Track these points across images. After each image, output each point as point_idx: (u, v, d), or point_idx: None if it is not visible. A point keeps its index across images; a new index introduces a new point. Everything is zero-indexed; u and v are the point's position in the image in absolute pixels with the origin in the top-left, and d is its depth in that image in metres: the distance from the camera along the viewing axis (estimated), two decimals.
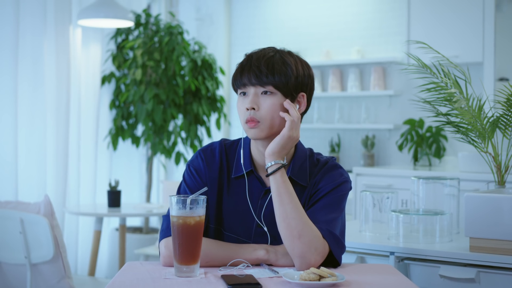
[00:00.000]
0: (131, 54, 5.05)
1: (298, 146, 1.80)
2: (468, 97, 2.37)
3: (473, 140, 2.41)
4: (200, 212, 1.60)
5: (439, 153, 4.64)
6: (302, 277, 1.54)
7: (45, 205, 2.73)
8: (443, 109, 2.54)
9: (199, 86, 5.00)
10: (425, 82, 2.44)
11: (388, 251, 2.23)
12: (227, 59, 5.72)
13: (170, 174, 5.87)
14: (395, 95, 4.94)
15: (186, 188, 1.80)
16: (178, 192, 1.82)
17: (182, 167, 5.37)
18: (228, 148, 1.84)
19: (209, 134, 5.12)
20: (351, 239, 2.35)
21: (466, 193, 2.15)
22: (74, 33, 4.64)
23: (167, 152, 4.98)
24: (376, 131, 5.04)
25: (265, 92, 1.72)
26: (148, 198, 5.07)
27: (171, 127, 5.06)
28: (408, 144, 4.75)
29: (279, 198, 1.68)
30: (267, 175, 1.71)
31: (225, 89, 5.62)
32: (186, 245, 1.58)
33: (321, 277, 1.54)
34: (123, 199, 4.79)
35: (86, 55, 4.78)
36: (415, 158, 4.70)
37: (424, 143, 4.68)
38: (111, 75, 5.02)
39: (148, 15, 5.07)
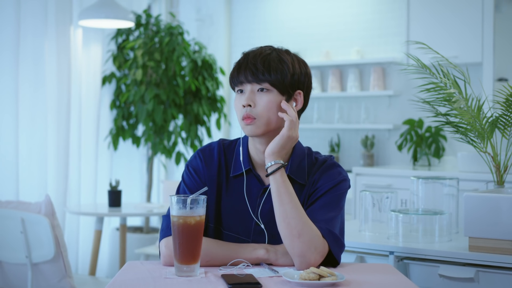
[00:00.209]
0: (131, 54, 5.06)
1: (296, 144, 1.81)
2: (467, 97, 2.38)
3: (472, 140, 2.41)
4: (200, 211, 1.60)
5: (438, 153, 4.64)
6: (302, 276, 1.55)
7: (46, 205, 2.74)
8: (443, 109, 2.54)
9: (199, 87, 5.00)
10: (425, 82, 2.44)
11: (387, 251, 2.24)
12: (227, 60, 5.73)
13: (171, 174, 5.88)
14: (394, 95, 4.94)
15: (185, 188, 1.81)
16: (178, 192, 1.82)
17: (182, 167, 5.38)
18: (227, 148, 1.85)
19: (209, 134, 5.13)
20: (350, 238, 2.35)
21: (465, 193, 2.16)
22: (75, 34, 4.65)
23: (168, 152, 4.99)
24: (375, 131, 5.05)
25: (262, 90, 1.73)
26: (148, 198, 5.08)
27: (171, 127, 5.07)
28: (408, 144, 4.75)
29: (279, 198, 1.69)
30: (267, 175, 1.71)
31: (225, 89, 5.63)
32: (187, 245, 1.59)
33: (321, 277, 1.55)
34: (124, 199, 4.79)
35: (87, 55, 4.79)
36: (415, 158, 4.71)
37: (423, 143, 4.68)
38: (112, 75, 5.02)
39: (148, 15, 5.08)
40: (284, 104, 1.72)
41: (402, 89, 4.92)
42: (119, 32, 5.04)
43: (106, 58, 5.01)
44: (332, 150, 5.15)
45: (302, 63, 1.81)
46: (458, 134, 2.46)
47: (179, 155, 5.03)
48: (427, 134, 4.69)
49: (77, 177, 4.67)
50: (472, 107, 2.36)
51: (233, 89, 1.80)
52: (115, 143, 4.95)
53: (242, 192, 1.80)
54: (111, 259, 4.99)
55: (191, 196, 1.60)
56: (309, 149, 1.86)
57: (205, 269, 1.68)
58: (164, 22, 5.21)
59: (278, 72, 1.73)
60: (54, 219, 2.73)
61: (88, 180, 4.78)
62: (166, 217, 1.76)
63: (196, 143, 5.04)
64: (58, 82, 4.46)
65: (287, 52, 1.81)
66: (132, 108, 5.02)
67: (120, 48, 5.07)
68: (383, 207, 2.46)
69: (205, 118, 5.13)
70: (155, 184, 5.61)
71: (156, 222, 5.56)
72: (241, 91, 1.76)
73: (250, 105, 1.73)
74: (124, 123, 5.06)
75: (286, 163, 1.73)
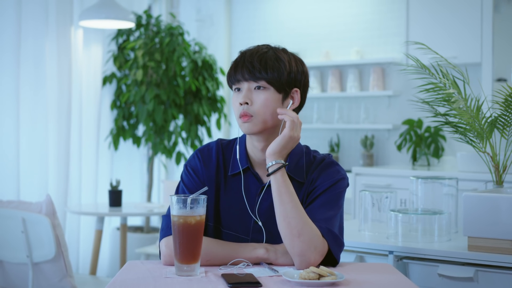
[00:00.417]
0: (132, 54, 5.07)
1: None
2: (467, 97, 2.38)
3: (471, 140, 2.42)
4: (200, 211, 1.61)
5: (437, 153, 4.65)
6: (302, 276, 1.55)
7: (47, 205, 2.74)
8: (442, 110, 2.55)
9: (199, 87, 5.01)
10: (424, 82, 2.44)
11: (387, 250, 2.24)
12: (227, 60, 5.74)
13: (171, 174, 5.89)
14: (394, 95, 4.95)
15: (184, 188, 1.82)
16: (177, 192, 1.83)
17: (182, 167, 5.38)
18: (225, 147, 1.86)
19: (209, 134, 5.14)
20: (350, 238, 2.35)
21: (465, 193, 2.16)
22: (75, 34, 4.66)
23: (168, 152, 4.99)
24: (375, 131, 5.06)
25: (258, 88, 1.74)
26: (149, 198, 5.09)
27: (171, 127, 5.08)
28: (407, 144, 4.76)
29: (279, 198, 1.70)
30: (268, 175, 1.72)
31: (225, 90, 5.64)
32: (187, 244, 1.59)
33: (320, 276, 1.55)
34: (124, 198, 4.80)
35: (88, 56, 4.79)
36: (414, 158, 4.72)
37: (422, 143, 4.69)
38: (112, 75, 5.03)
39: (149, 16, 5.09)
40: (280, 110, 1.73)
41: (401, 89, 4.93)
42: (120, 32, 5.05)
43: (106, 59, 5.02)
44: (332, 150, 5.16)
45: (299, 62, 1.82)
46: (457, 134, 2.47)
47: (179, 155, 5.04)
48: (427, 134, 4.69)
49: (77, 177, 4.68)
50: (471, 107, 2.36)
51: (231, 87, 1.81)
52: (115, 143, 4.96)
53: (240, 191, 1.81)
54: (111, 258, 5.00)
55: (191, 196, 1.61)
56: (307, 147, 1.86)
57: (205, 268, 1.68)
58: (164, 23, 5.22)
59: (275, 70, 1.74)
60: (55, 219, 2.73)
61: (88, 180, 4.79)
62: (166, 217, 1.77)
63: (197, 143, 5.05)
64: (59, 82, 4.46)
65: (284, 50, 1.81)
66: (132, 108, 5.03)
67: (121, 48, 5.07)
68: (382, 207, 2.46)
69: (205, 118, 5.14)
70: (156, 184, 5.61)
71: (156, 222, 5.57)
72: (238, 89, 1.77)
73: (247, 103, 1.74)
74: (125, 123, 5.07)
75: (287, 163, 1.74)
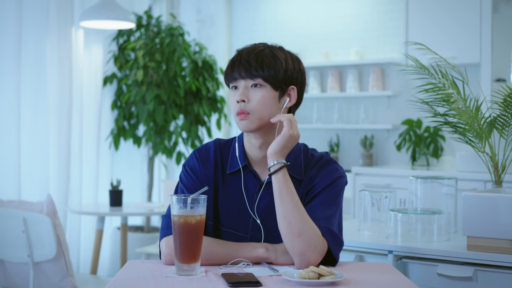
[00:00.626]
0: (132, 55, 5.08)
1: None
2: (466, 97, 2.38)
3: (470, 140, 2.42)
4: (201, 211, 1.61)
5: (437, 153, 4.66)
6: (302, 275, 1.55)
7: (48, 204, 2.74)
8: (441, 110, 2.55)
9: (199, 87, 5.02)
10: (423, 83, 2.45)
11: (386, 250, 2.25)
12: (227, 60, 5.71)
13: (171, 173, 5.90)
14: (393, 95, 4.96)
15: (183, 187, 1.83)
16: (176, 192, 1.83)
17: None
18: (223, 146, 1.87)
19: (209, 134, 5.15)
20: (350, 238, 2.36)
21: (464, 193, 2.16)
22: (76, 35, 4.66)
23: (168, 152, 5.00)
24: (374, 131, 5.06)
25: (255, 85, 1.75)
26: (149, 198, 5.09)
27: (172, 127, 5.08)
28: (406, 144, 4.77)
29: (280, 197, 1.70)
30: (269, 175, 1.73)
31: (225, 90, 5.65)
32: (187, 244, 1.60)
33: (320, 276, 1.55)
34: (125, 198, 4.80)
35: (88, 56, 4.80)
36: (413, 158, 4.72)
37: (422, 143, 4.70)
38: (113, 76, 5.04)
39: (149, 16, 5.10)
40: (274, 118, 1.74)
41: (401, 89, 4.93)
42: (120, 33, 5.06)
43: (107, 59, 5.03)
44: (332, 150, 5.17)
45: (295, 60, 1.83)
46: (457, 134, 2.47)
47: (179, 155, 5.05)
48: (426, 134, 4.70)
49: (78, 177, 4.68)
50: (470, 107, 2.37)
51: (228, 85, 1.82)
52: (116, 143, 4.97)
53: (238, 189, 1.81)
54: (112, 258, 5.00)
55: (191, 196, 1.61)
56: (304, 145, 1.87)
57: (206, 268, 1.69)
58: (164, 23, 5.23)
59: (271, 68, 1.75)
60: (55, 219, 2.74)
61: (89, 180, 4.80)
62: (166, 217, 1.78)
63: (197, 143, 5.06)
64: (60, 82, 4.47)
65: (280, 48, 1.83)
66: (133, 109, 5.04)
67: (121, 49, 5.08)
68: (382, 206, 2.46)
69: (206, 118, 5.15)
70: (156, 183, 5.62)
71: (156, 221, 5.57)
72: (236, 87, 1.79)
73: (244, 101, 1.75)
74: (125, 123, 5.08)
75: (288, 163, 1.74)
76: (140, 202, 4.79)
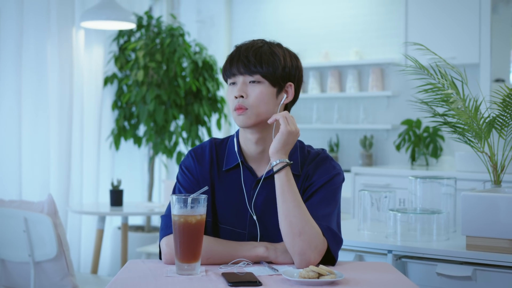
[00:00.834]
0: (133, 55, 5.09)
1: None
2: (465, 97, 2.39)
3: (469, 140, 2.42)
4: (201, 211, 1.61)
5: (436, 153, 4.66)
6: (302, 275, 1.55)
7: (49, 204, 2.75)
8: (440, 110, 2.56)
9: (200, 87, 5.03)
10: (423, 83, 2.45)
11: (386, 250, 2.25)
12: None
13: (172, 173, 5.90)
14: (393, 96, 4.96)
15: (180, 187, 1.83)
16: (173, 192, 1.84)
17: None
18: (218, 145, 1.87)
19: (209, 134, 5.15)
20: (349, 237, 2.36)
21: (463, 192, 2.17)
22: (77, 35, 4.67)
23: (169, 152, 5.01)
24: (374, 131, 5.07)
25: (253, 81, 1.76)
26: (149, 197, 5.10)
27: (172, 127, 5.09)
28: (406, 144, 4.77)
29: (282, 197, 1.70)
30: (273, 173, 1.73)
31: (225, 90, 5.66)
32: (187, 243, 1.60)
33: (320, 275, 1.55)
34: (125, 198, 4.81)
35: (89, 56, 4.81)
36: (413, 158, 4.73)
37: (421, 143, 4.70)
38: (114, 76, 5.05)
39: (149, 17, 5.10)
40: (270, 120, 1.74)
41: (400, 89, 4.94)
42: (121, 33, 5.07)
43: (108, 59, 5.04)
44: (331, 150, 5.18)
45: (293, 57, 1.84)
46: (456, 134, 2.47)
47: (180, 155, 5.06)
48: (425, 134, 4.71)
49: (79, 177, 4.69)
50: (469, 107, 2.37)
51: (226, 81, 1.83)
52: (116, 143, 4.98)
53: (235, 185, 1.82)
54: (112, 257, 5.01)
55: (192, 196, 1.62)
56: (300, 142, 1.87)
57: (206, 267, 1.69)
58: (165, 24, 5.24)
59: (270, 64, 1.76)
60: (56, 218, 2.74)
61: (90, 180, 4.81)
62: (165, 217, 1.79)
63: (197, 143, 5.07)
64: (60, 83, 4.48)
65: (278, 45, 1.84)
66: (133, 109, 5.05)
67: (122, 49, 5.09)
68: (381, 206, 2.47)
69: (206, 119, 5.16)
70: (156, 183, 5.63)
71: (157, 221, 5.58)
72: (234, 83, 1.79)
73: (242, 96, 1.76)
74: (126, 124, 5.09)
75: (291, 162, 1.74)
76: (141, 202, 4.80)
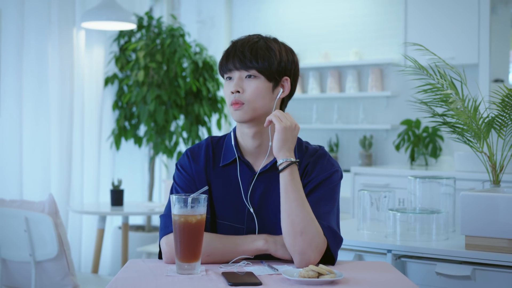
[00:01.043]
0: (133, 56, 5.09)
1: None
2: (464, 98, 2.39)
3: (468, 140, 2.43)
4: (201, 210, 1.62)
5: (435, 153, 4.67)
6: (301, 274, 1.55)
7: (49, 204, 2.75)
8: (439, 110, 2.56)
9: (200, 87, 5.04)
10: (422, 83, 2.46)
11: (385, 249, 2.25)
12: None
13: (172, 173, 5.90)
14: (392, 96, 4.97)
15: (176, 186, 1.84)
16: (171, 192, 1.84)
17: None
18: (216, 142, 1.88)
19: (210, 134, 5.16)
20: (349, 237, 2.36)
21: (462, 192, 2.17)
22: (77, 36, 4.68)
23: (169, 152, 5.02)
24: (373, 132, 5.08)
25: (249, 76, 1.77)
26: (150, 197, 5.11)
27: (172, 127, 5.10)
28: (405, 144, 4.78)
29: (285, 195, 1.70)
30: (278, 172, 1.73)
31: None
32: (188, 243, 1.60)
33: (319, 275, 1.55)
34: (126, 198, 4.82)
35: (90, 57, 4.82)
36: (412, 158, 4.74)
37: (420, 143, 4.71)
38: (114, 76, 5.06)
39: (150, 17, 5.11)
40: (265, 124, 1.75)
41: (399, 90, 4.95)
42: (121, 34, 5.07)
43: (108, 60, 5.04)
44: (331, 150, 5.19)
45: (289, 51, 1.85)
46: (455, 134, 2.48)
47: (180, 155, 5.07)
48: (424, 134, 4.71)
49: (80, 177, 4.70)
50: (468, 107, 2.38)
51: (223, 76, 1.84)
52: (117, 143, 4.99)
53: (232, 180, 1.82)
54: (113, 257, 5.02)
55: (192, 195, 1.62)
56: (298, 139, 1.87)
57: (206, 267, 1.69)
58: (165, 24, 5.24)
59: (265, 59, 1.77)
60: (57, 218, 2.74)
61: (90, 180, 4.81)
62: (164, 216, 1.79)
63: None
64: (61, 83, 4.49)
65: (274, 40, 1.85)
66: (134, 109, 5.06)
67: (122, 49, 5.10)
68: (381, 206, 2.47)
69: (206, 119, 5.17)
70: (157, 183, 5.64)
71: (157, 221, 5.59)
72: (230, 78, 1.81)
73: (238, 91, 1.77)
74: (126, 124, 5.10)
75: (297, 160, 1.74)
76: (141, 201, 4.81)
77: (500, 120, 2.37)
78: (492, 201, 2.10)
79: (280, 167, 1.72)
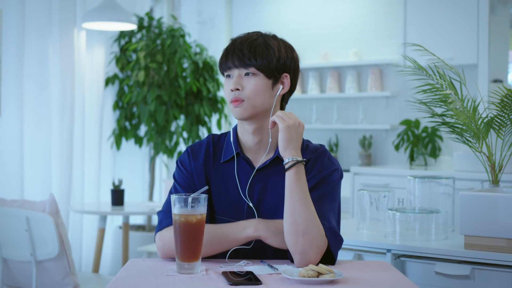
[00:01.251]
0: (134, 56, 5.10)
1: None
2: (463, 98, 2.39)
3: (468, 140, 2.43)
4: (201, 210, 1.62)
5: (434, 153, 4.68)
6: (301, 274, 1.55)
7: (50, 204, 2.75)
8: (439, 110, 2.56)
9: (200, 88, 5.05)
10: (421, 83, 2.46)
11: (385, 249, 2.26)
12: None
13: (172, 173, 5.91)
14: (391, 96, 4.98)
15: (175, 183, 1.86)
16: (171, 189, 1.86)
17: None
18: (217, 139, 1.89)
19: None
20: (348, 236, 2.36)
21: (461, 192, 2.17)
22: (78, 36, 4.69)
23: (169, 152, 5.03)
24: (373, 132, 5.09)
25: (248, 74, 1.79)
26: (150, 197, 5.12)
27: (173, 127, 5.11)
28: (405, 144, 4.79)
29: (290, 195, 1.70)
30: (284, 171, 1.73)
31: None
32: (188, 243, 1.61)
33: (319, 274, 1.56)
34: (126, 197, 4.83)
35: (90, 57, 4.82)
36: (411, 158, 4.74)
37: (420, 143, 4.71)
38: (115, 76, 5.06)
39: (150, 18, 5.12)
40: (269, 126, 1.77)
41: (399, 90, 4.96)
42: (122, 34, 5.08)
43: (109, 60, 5.05)
44: (331, 150, 5.19)
45: (288, 48, 1.86)
46: (454, 134, 2.48)
47: (180, 155, 5.07)
48: (424, 134, 4.72)
49: (80, 177, 4.71)
50: (467, 108, 2.38)
51: (222, 74, 1.85)
52: (118, 143, 5.00)
53: (232, 177, 1.83)
54: (114, 256, 5.02)
55: (192, 195, 1.62)
56: None
57: (206, 266, 1.69)
58: (166, 25, 5.25)
59: (264, 57, 1.78)
60: (58, 218, 2.74)
61: (91, 179, 4.82)
62: (160, 212, 1.81)
63: None
64: (62, 83, 4.50)
65: (273, 37, 1.85)
66: (134, 109, 5.06)
67: (123, 50, 5.11)
68: (380, 206, 2.47)
69: (206, 119, 5.18)
70: (157, 183, 5.65)
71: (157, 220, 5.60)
72: (229, 76, 1.82)
73: (238, 89, 1.78)
74: (127, 124, 5.11)
75: (304, 159, 1.74)
76: (142, 201, 4.81)
77: (499, 120, 2.37)
78: (491, 201, 2.11)
79: (286, 166, 1.72)
